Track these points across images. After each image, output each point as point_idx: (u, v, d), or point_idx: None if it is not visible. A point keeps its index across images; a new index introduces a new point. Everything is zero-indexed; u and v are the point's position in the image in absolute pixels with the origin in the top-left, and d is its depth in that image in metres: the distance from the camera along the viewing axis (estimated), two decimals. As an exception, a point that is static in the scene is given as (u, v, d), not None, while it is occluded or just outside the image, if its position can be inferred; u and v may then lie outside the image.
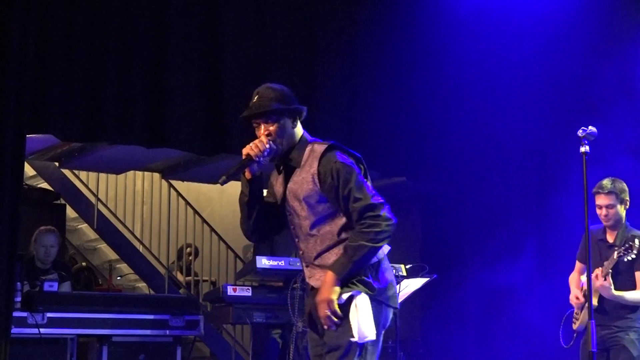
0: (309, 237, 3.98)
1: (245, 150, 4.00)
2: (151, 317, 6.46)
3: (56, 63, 6.27)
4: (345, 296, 3.84)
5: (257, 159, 3.96)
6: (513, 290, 8.21)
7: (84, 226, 10.85)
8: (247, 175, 3.99)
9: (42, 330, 6.06)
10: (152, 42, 6.70)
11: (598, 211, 5.75)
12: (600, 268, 5.61)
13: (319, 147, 3.98)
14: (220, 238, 10.88)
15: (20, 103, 5.95)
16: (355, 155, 4.03)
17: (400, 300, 6.22)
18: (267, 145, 3.97)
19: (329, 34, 7.55)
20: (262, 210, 4.06)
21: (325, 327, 3.85)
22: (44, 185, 10.22)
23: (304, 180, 3.95)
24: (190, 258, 10.92)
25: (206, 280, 10.96)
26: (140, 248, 10.62)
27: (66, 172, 10.10)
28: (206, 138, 6.89)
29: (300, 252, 4.05)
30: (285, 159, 4.04)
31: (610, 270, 5.60)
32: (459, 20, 8.10)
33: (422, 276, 6.49)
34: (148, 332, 6.46)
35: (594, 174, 5.79)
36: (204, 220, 10.87)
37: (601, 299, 5.65)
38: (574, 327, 5.90)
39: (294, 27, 7.38)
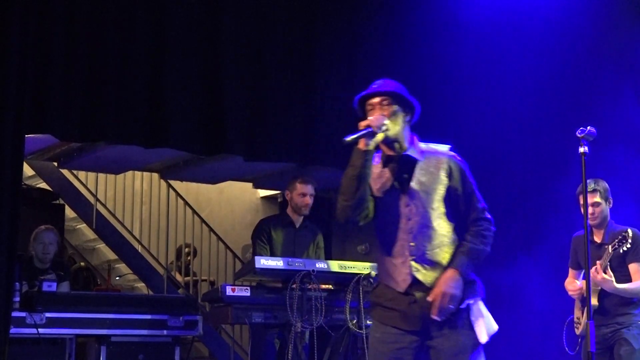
0: (426, 230, 4.03)
1: (364, 122, 3.99)
2: (150, 317, 6.46)
3: (55, 63, 6.26)
4: (471, 302, 4.07)
5: (377, 130, 3.96)
6: (516, 290, 8.19)
7: (83, 226, 10.85)
8: (362, 145, 3.96)
9: (40, 330, 6.06)
10: (151, 42, 6.69)
11: (584, 211, 5.78)
12: (598, 262, 5.64)
13: (442, 146, 4.27)
14: (219, 238, 10.88)
15: (20, 103, 5.94)
16: None
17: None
18: (386, 122, 4.01)
19: (329, 34, 7.53)
20: (365, 191, 4.02)
21: (436, 316, 3.93)
22: (43, 185, 10.23)
23: (433, 174, 4.06)
24: (188, 258, 10.92)
25: (205, 280, 10.96)
26: (139, 248, 10.62)
27: (65, 172, 10.10)
28: (205, 138, 6.88)
29: (411, 244, 4.04)
30: (397, 150, 4.10)
31: (608, 263, 5.65)
32: (461, 18, 8.06)
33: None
34: (147, 332, 6.46)
35: (595, 173, 5.82)
36: (202, 221, 10.87)
37: (601, 298, 5.68)
38: (577, 332, 5.91)
39: (293, 28, 7.37)
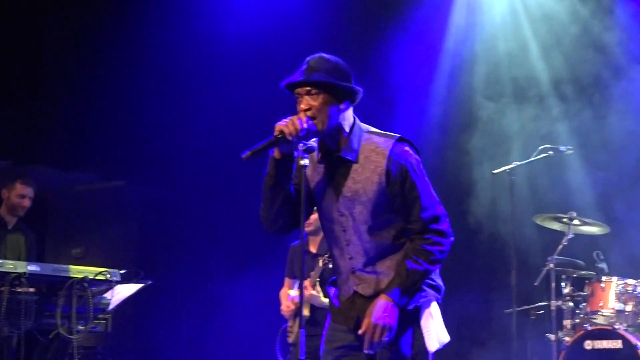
0: (362, 241, 3.51)
1: (278, 127, 3.36)
2: None
3: None
4: (422, 302, 3.54)
5: (290, 138, 3.34)
6: (227, 298, 8.32)
7: None
8: (277, 154, 3.39)
9: None
10: None
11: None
12: (308, 279, 5.81)
13: (386, 141, 3.50)
14: None
15: None
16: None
17: (113, 306, 6.18)
18: (306, 125, 3.36)
19: (59, 30, 7.39)
20: (288, 197, 3.48)
21: (367, 350, 3.46)
22: None
23: (369, 179, 3.47)
24: None
25: None
26: None
27: None
28: None
29: (348, 256, 3.56)
30: (332, 148, 3.51)
31: (318, 279, 5.80)
32: (177, 21, 8.08)
33: (137, 282, 6.45)
34: None
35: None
36: None
37: (312, 309, 5.84)
38: (289, 340, 6.05)
39: (19, 22, 7.15)
